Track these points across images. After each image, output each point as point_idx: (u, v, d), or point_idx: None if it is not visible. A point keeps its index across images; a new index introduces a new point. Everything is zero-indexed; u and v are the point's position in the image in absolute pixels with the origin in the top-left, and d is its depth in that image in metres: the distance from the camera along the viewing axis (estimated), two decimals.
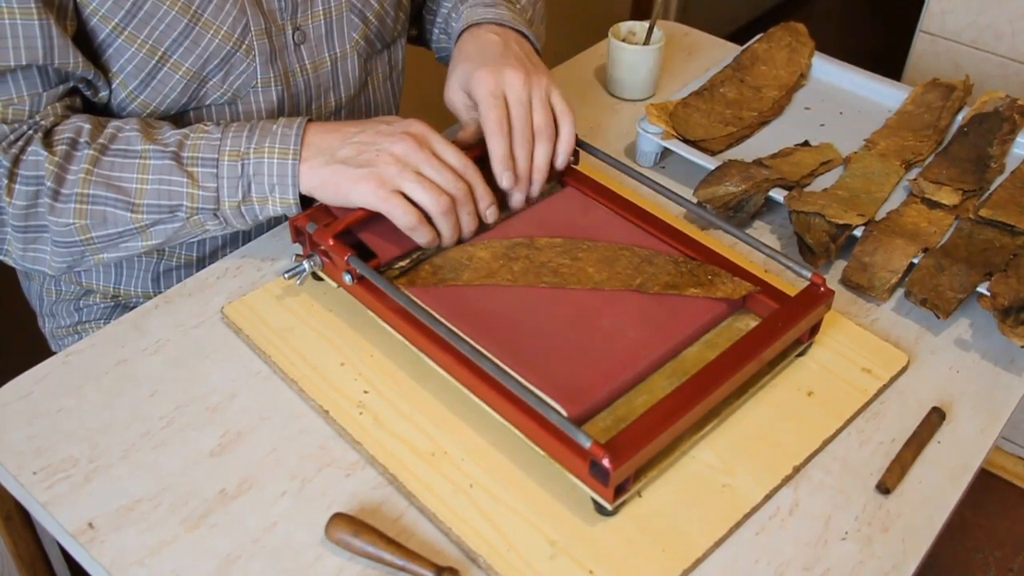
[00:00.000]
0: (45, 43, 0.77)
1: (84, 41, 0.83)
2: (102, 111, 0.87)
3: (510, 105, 0.83)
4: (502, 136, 0.82)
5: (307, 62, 0.92)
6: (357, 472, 0.72)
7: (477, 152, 0.85)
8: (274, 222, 0.95)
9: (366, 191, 0.76)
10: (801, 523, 0.70)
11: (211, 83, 0.87)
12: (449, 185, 0.78)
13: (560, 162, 0.86)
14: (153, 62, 0.84)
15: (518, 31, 0.93)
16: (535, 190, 0.86)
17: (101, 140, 0.79)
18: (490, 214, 0.81)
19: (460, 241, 0.82)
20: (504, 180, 0.83)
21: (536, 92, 0.84)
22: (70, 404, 0.76)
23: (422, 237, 0.78)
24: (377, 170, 0.76)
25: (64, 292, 1.04)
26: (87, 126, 0.79)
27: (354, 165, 0.77)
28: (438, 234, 0.79)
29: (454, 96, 0.88)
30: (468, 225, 0.81)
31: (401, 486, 0.70)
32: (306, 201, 0.81)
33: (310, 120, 0.81)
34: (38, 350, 0.97)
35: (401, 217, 0.77)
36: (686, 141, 1.02)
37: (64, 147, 0.78)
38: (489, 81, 0.83)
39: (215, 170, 0.79)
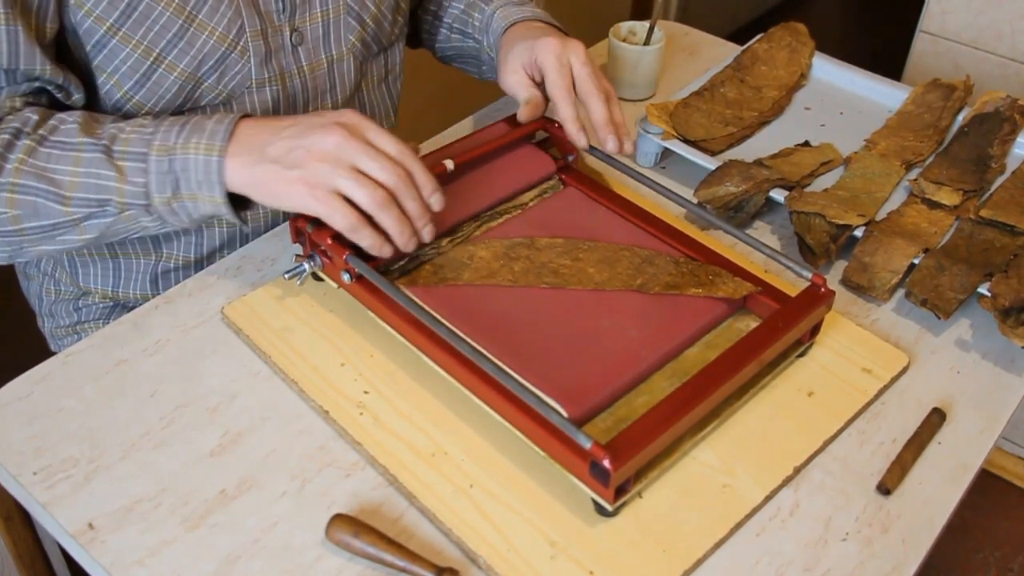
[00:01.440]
0: (11, 48, 0.77)
1: (78, 42, 0.83)
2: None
3: (577, 69, 0.88)
4: (571, 101, 0.88)
5: (304, 63, 0.92)
6: (357, 472, 0.72)
7: (533, 128, 0.90)
8: (271, 221, 0.95)
9: (299, 195, 0.72)
10: (801, 524, 0.70)
11: (206, 84, 0.87)
12: (386, 175, 0.73)
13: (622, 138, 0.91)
14: (148, 63, 0.84)
15: (555, 27, 0.97)
16: (628, 146, 0.89)
17: (41, 131, 0.78)
18: (435, 201, 0.76)
19: (421, 244, 0.78)
20: (581, 140, 0.88)
21: (595, 64, 0.90)
22: (70, 404, 0.76)
23: (365, 240, 0.74)
24: (308, 172, 0.72)
25: (63, 292, 1.04)
26: (34, 117, 0.79)
27: (285, 165, 0.73)
28: (385, 235, 0.75)
29: (511, 77, 0.92)
30: (414, 213, 0.75)
31: (401, 487, 0.70)
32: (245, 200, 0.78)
33: (245, 116, 0.77)
34: (38, 350, 0.97)
35: (340, 220, 0.72)
36: (686, 141, 1.01)
37: (6, 136, 0.77)
38: (556, 46, 0.88)
39: (144, 165, 0.76)
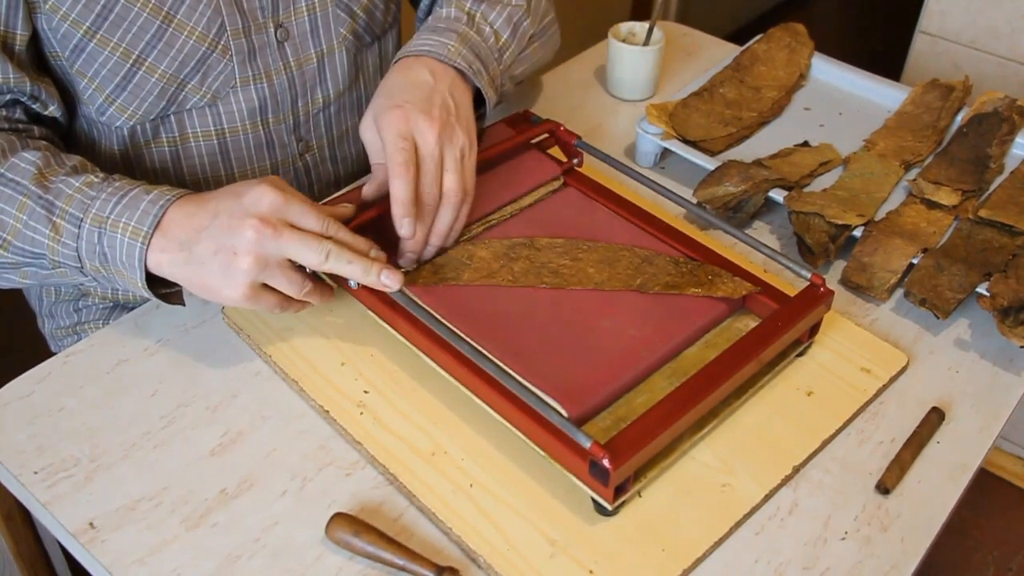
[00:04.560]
0: None
1: (55, 49, 0.82)
2: (60, 124, 0.87)
3: (420, 157, 0.77)
4: (407, 180, 0.75)
5: (291, 59, 0.91)
6: (357, 472, 0.72)
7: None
8: None
9: (231, 296, 0.71)
10: (800, 523, 0.70)
11: (190, 86, 0.86)
12: (313, 257, 0.70)
13: (447, 243, 0.81)
14: (127, 65, 0.83)
15: (458, 70, 0.84)
16: (428, 252, 0.80)
17: None
18: (374, 255, 0.73)
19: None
20: (404, 228, 0.75)
21: (449, 150, 0.78)
22: (71, 404, 0.76)
23: (314, 299, 0.75)
24: (234, 274, 0.70)
25: (63, 293, 1.04)
26: None
27: (213, 268, 0.70)
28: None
29: (367, 132, 0.81)
30: (358, 274, 0.72)
31: (401, 486, 0.70)
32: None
33: (180, 197, 0.74)
34: (38, 350, 0.98)
35: (277, 309, 0.74)
36: (686, 141, 1.02)
37: None
38: (399, 122, 0.76)
39: (77, 230, 0.73)
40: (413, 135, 0.76)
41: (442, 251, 0.82)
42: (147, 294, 0.74)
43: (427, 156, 0.76)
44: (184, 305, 0.79)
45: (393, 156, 0.75)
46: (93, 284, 0.77)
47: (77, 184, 0.74)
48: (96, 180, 0.75)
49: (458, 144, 0.78)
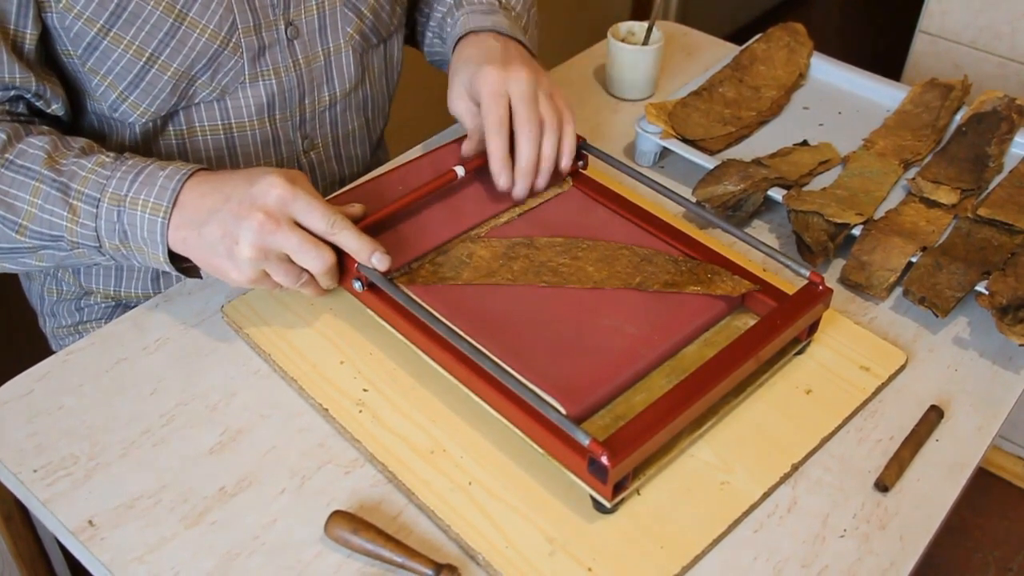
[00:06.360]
0: None
1: (67, 47, 0.83)
2: (63, 122, 0.87)
3: (514, 101, 0.83)
4: (503, 137, 0.83)
5: (300, 57, 0.92)
6: (356, 470, 0.72)
7: (480, 163, 0.85)
8: None
9: (232, 279, 0.74)
10: (799, 521, 0.70)
11: (200, 81, 0.87)
12: (308, 262, 0.74)
13: (564, 163, 0.86)
14: (141, 63, 0.84)
15: (516, 40, 0.93)
16: (541, 182, 0.85)
17: (8, 155, 0.77)
18: (377, 261, 0.74)
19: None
20: (501, 180, 0.84)
21: (541, 88, 0.85)
22: (70, 402, 0.76)
23: (307, 290, 0.78)
24: (236, 261, 0.73)
25: (65, 292, 1.04)
26: (2, 137, 0.78)
27: (217, 253, 0.73)
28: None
29: (458, 103, 0.88)
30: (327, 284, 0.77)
31: (400, 484, 0.70)
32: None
33: (195, 172, 0.76)
34: (39, 349, 0.98)
35: (279, 288, 0.76)
36: (685, 141, 1.02)
37: None
38: (494, 78, 0.83)
39: (95, 210, 0.75)
40: (507, 88, 0.83)
41: (442, 250, 0.82)
42: (169, 268, 0.77)
43: (522, 98, 0.83)
44: (202, 278, 0.82)
45: (489, 114, 0.82)
46: (110, 263, 0.80)
47: (90, 165, 0.77)
48: (108, 160, 0.77)
49: (545, 83, 0.87)
